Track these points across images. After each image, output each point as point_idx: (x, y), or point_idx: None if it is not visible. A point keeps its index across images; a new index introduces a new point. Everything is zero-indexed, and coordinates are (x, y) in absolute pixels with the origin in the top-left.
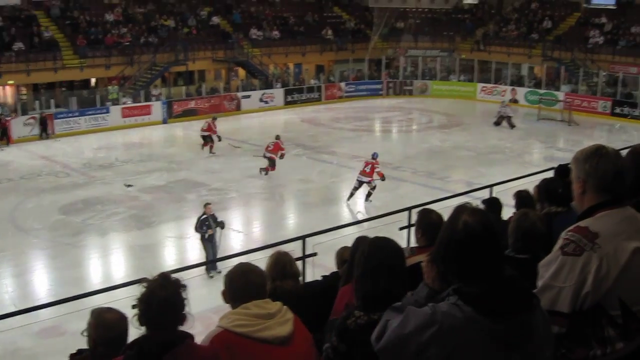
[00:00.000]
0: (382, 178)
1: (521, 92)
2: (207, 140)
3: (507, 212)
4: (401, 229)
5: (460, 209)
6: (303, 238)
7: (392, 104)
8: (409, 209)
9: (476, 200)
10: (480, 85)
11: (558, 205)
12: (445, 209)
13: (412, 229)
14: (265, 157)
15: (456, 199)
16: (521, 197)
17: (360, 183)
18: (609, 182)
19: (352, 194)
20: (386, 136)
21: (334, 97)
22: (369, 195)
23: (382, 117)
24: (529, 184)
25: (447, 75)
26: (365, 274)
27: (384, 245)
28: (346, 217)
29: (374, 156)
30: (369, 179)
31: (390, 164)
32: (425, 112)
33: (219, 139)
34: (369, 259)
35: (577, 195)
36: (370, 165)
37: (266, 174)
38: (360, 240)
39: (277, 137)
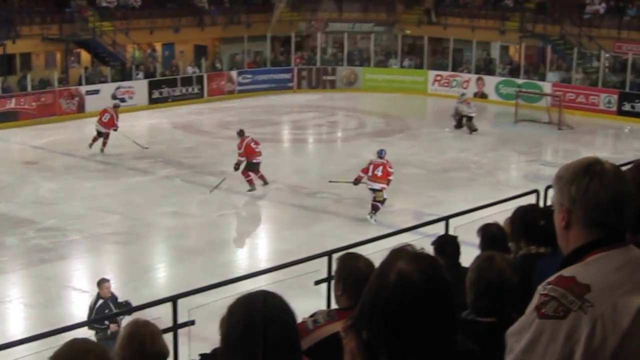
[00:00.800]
0: (387, 184)
1: (491, 82)
2: (102, 135)
3: (469, 256)
4: (318, 282)
5: (395, 254)
6: (174, 299)
7: (307, 102)
8: (329, 253)
9: (426, 238)
10: (432, 73)
11: (540, 245)
12: (380, 254)
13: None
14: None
15: (397, 238)
16: (488, 234)
17: (372, 192)
18: (604, 213)
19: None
20: (298, 149)
21: (222, 93)
22: (374, 210)
23: (292, 120)
24: (503, 215)
25: (385, 59)
26: (229, 351)
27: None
28: (242, 266)
29: (381, 154)
30: (382, 185)
31: (303, 188)
32: (354, 112)
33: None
34: (230, 331)
35: (559, 230)
36: (381, 167)
37: (257, 188)
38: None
39: (241, 134)
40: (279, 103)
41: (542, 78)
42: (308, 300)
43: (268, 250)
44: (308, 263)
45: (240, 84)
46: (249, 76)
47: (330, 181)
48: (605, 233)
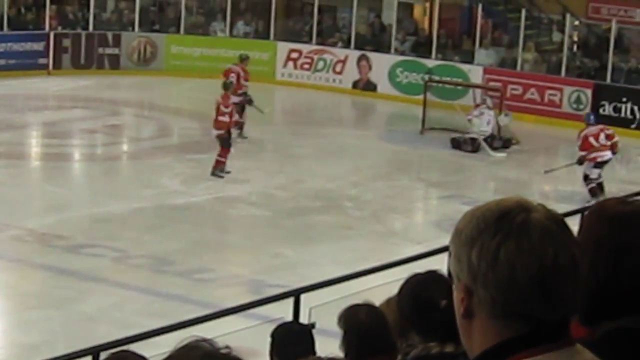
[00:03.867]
0: (614, 152)
1: (383, 64)
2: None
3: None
4: None
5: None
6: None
7: (71, 91)
8: (94, 351)
9: (266, 326)
10: (284, 47)
11: (444, 340)
12: None
13: None
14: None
15: (213, 327)
16: (355, 325)
17: (600, 165)
18: (523, 298)
19: (597, 188)
20: (53, 171)
21: None
22: (597, 190)
23: (44, 122)
24: (391, 288)
25: (205, 22)
26: None
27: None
28: None
29: (591, 120)
30: (611, 154)
31: (62, 237)
32: (151, 110)
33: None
34: None
35: (458, 318)
36: (603, 134)
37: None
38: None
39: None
40: (23, 92)
41: (468, 59)
42: None
43: (0, 343)
44: None
45: None
46: None
47: (545, 171)
48: (529, 328)
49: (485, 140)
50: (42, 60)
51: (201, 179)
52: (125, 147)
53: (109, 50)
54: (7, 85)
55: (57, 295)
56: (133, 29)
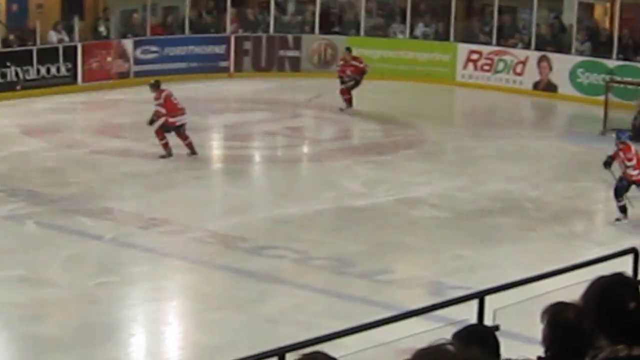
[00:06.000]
0: None
1: (563, 65)
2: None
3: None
4: None
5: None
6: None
7: (252, 94)
8: (280, 352)
9: (448, 328)
10: (464, 49)
11: (629, 342)
12: (372, 355)
13: None
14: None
15: (400, 326)
16: (562, 322)
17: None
18: None
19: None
20: (235, 173)
21: (107, 76)
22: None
23: (225, 125)
24: (579, 290)
25: (385, 24)
26: None
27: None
28: None
29: (624, 138)
30: None
31: (243, 239)
32: (332, 113)
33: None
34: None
35: None
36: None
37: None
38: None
39: (349, 50)
40: (204, 95)
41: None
42: None
43: (182, 344)
44: None
45: (138, 62)
46: (154, 49)
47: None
48: None
49: None
50: (223, 63)
51: (382, 181)
52: (305, 149)
53: (289, 53)
54: (189, 88)
55: (238, 296)
56: (313, 32)
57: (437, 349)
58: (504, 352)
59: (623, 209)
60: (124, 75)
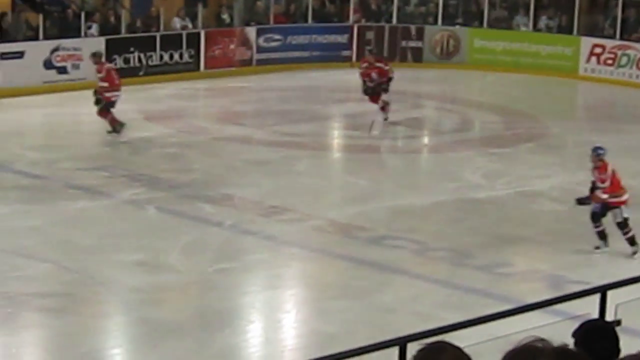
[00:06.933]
0: None
1: None
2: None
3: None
4: None
5: (523, 356)
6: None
7: None
8: (402, 342)
9: (567, 323)
10: (587, 42)
11: None
12: (488, 347)
13: None
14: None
15: (518, 320)
16: None
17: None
18: None
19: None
20: (355, 163)
21: (230, 64)
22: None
23: (346, 114)
24: None
25: (509, 16)
26: None
27: None
28: (254, 356)
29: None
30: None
31: (362, 229)
32: (453, 104)
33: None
34: None
35: None
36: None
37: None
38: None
39: (371, 52)
40: (326, 84)
41: None
42: None
43: (300, 332)
44: (366, 357)
45: (261, 50)
46: (277, 37)
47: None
48: None
49: None
50: (345, 53)
51: (503, 173)
52: (426, 140)
53: (412, 44)
54: (310, 77)
55: (357, 285)
56: (436, 23)
57: (529, 348)
58: (624, 347)
59: (602, 235)
60: (246, 63)
